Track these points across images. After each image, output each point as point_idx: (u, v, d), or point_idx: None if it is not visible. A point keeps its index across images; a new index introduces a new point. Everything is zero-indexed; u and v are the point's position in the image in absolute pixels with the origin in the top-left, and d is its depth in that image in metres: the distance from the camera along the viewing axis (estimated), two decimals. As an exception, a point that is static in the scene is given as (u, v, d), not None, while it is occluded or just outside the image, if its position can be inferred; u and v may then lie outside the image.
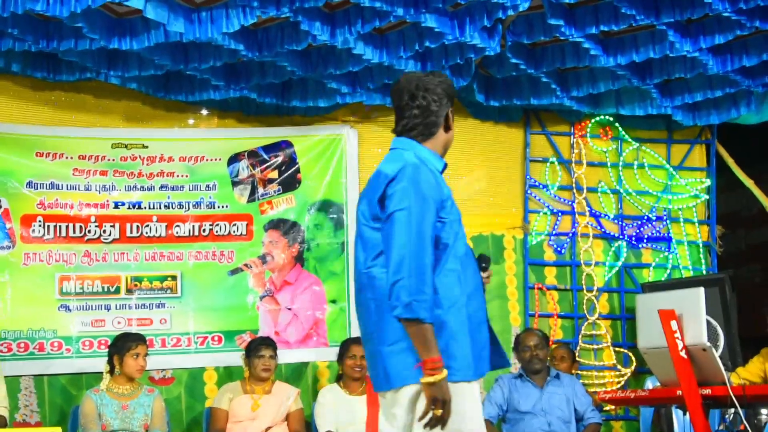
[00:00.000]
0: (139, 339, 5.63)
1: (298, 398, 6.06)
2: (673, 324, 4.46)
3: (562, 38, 5.92)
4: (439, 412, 2.98)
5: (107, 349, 5.75)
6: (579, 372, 6.81)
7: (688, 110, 7.04)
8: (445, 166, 3.40)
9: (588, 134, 7.36)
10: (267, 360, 5.94)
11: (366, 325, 3.29)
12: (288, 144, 6.82)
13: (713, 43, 5.88)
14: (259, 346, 5.99)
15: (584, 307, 7.13)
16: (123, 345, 5.58)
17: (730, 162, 7.50)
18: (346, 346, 6.22)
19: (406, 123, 3.36)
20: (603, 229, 7.28)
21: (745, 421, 4.45)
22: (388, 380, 3.17)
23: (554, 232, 7.20)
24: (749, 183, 7.41)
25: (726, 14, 5.52)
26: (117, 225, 6.43)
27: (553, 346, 6.66)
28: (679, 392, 4.52)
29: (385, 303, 3.12)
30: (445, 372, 2.99)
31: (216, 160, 6.67)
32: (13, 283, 6.20)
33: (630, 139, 7.40)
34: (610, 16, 5.69)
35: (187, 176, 6.60)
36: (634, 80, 6.46)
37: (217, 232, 6.60)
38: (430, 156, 3.33)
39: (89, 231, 6.37)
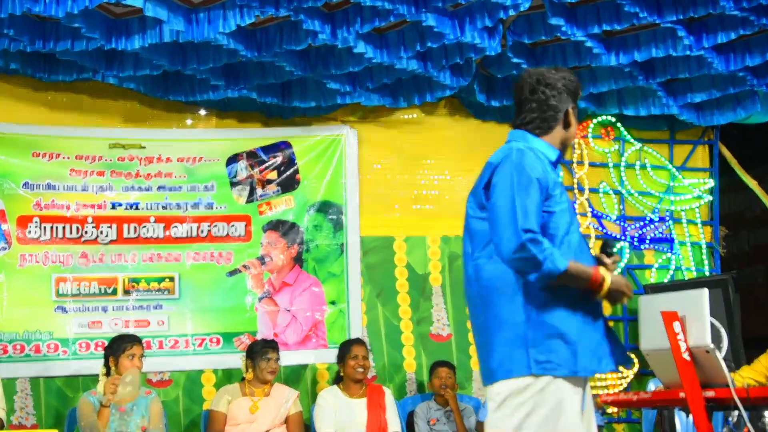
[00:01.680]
0: (134, 340, 5.59)
1: (297, 401, 6.02)
2: (676, 325, 4.42)
3: (563, 38, 5.89)
4: (626, 299, 3.18)
5: (104, 351, 5.71)
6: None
7: (693, 110, 7.02)
8: (560, 156, 3.32)
9: (590, 135, 7.34)
10: (273, 363, 5.91)
11: (474, 318, 3.25)
12: (287, 144, 6.79)
13: (716, 42, 5.86)
14: (265, 348, 5.95)
15: (586, 308, 7.09)
16: (119, 346, 5.54)
17: (733, 163, 7.49)
18: (347, 347, 6.19)
19: (524, 117, 3.32)
20: (605, 230, 7.25)
21: (748, 423, 4.40)
22: (491, 374, 3.12)
23: (555, 233, 7.16)
24: (752, 184, 7.41)
25: (730, 12, 5.50)
26: (114, 226, 6.40)
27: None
28: (682, 394, 4.47)
29: (490, 295, 3.10)
30: (608, 274, 3.11)
31: (214, 160, 6.64)
32: (9, 285, 6.17)
33: (632, 140, 7.37)
34: (611, 15, 5.68)
35: (185, 177, 6.57)
36: (638, 79, 6.43)
37: (215, 233, 6.57)
38: (542, 146, 3.27)
39: (86, 232, 6.34)
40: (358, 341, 6.31)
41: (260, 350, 5.95)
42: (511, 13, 5.43)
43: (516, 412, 3.04)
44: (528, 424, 3.01)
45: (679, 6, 5.56)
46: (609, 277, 3.08)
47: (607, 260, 3.28)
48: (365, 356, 6.20)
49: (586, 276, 3.06)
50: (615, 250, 3.41)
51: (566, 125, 3.32)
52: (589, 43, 5.91)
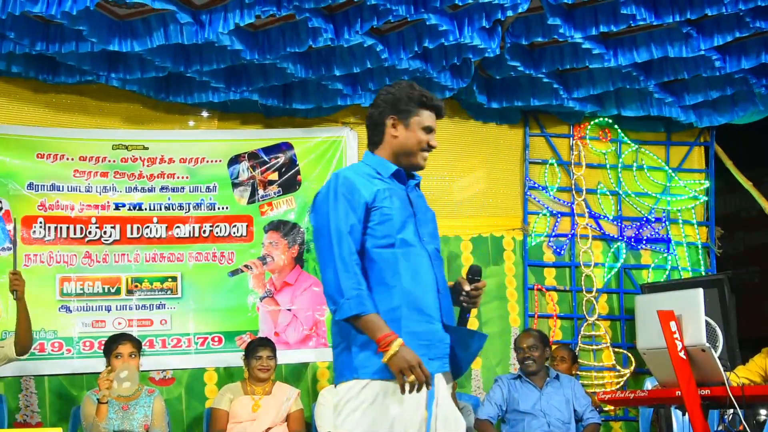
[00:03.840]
0: (122, 339, 5.60)
1: (299, 399, 6.07)
2: (672, 325, 4.47)
3: (561, 39, 5.93)
4: (412, 378, 3.05)
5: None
6: (579, 373, 6.82)
7: (690, 111, 7.06)
8: (397, 171, 3.45)
9: (587, 136, 7.38)
10: (265, 361, 5.95)
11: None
12: (288, 146, 6.83)
13: (712, 44, 5.89)
14: (256, 347, 6.00)
15: (583, 308, 7.15)
16: (108, 347, 5.58)
17: (729, 164, 7.52)
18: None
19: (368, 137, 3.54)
20: (602, 231, 7.30)
21: (744, 422, 4.46)
22: (336, 377, 3.33)
23: (554, 234, 7.22)
24: (748, 185, 7.44)
25: (727, 14, 5.54)
26: (117, 226, 6.44)
27: (554, 347, 6.66)
28: (678, 393, 4.52)
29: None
30: (399, 341, 3.08)
31: (216, 161, 6.68)
32: (15, 285, 6.22)
33: (629, 141, 7.42)
34: (609, 16, 5.70)
35: (187, 178, 6.61)
36: (635, 81, 6.47)
37: (217, 233, 6.61)
38: (376, 162, 3.46)
39: (90, 232, 6.39)
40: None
41: (252, 349, 6.00)
42: (510, 14, 5.46)
43: (354, 412, 3.19)
44: (358, 420, 3.17)
45: (676, 8, 5.59)
46: (397, 346, 3.07)
47: (467, 286, 3.41)
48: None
49: (378, 333, 3.11)
50: (477, 277, 3.44)
51: (393, 136, 3.47)
52: (588, 44, 5.92)
